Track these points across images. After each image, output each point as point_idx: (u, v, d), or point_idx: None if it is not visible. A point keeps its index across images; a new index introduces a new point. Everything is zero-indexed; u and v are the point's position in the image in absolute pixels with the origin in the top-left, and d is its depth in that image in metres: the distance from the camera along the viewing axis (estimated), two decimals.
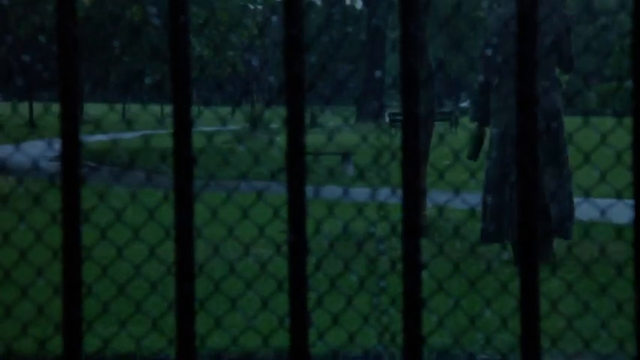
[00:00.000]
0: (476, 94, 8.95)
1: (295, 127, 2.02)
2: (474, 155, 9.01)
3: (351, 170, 21.41)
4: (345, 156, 21.42)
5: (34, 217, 11.89)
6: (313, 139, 38.90)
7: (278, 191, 16.82)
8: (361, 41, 62.82)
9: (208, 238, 10.13)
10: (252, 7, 32.26)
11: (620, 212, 13.03)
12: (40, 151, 30.83)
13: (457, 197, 14.33)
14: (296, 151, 2.01)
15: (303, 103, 1.99)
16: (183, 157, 2.03)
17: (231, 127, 56.33)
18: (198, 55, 30.26)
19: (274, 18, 30.52)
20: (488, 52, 8.75)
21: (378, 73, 51.55)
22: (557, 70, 8.92)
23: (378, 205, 12.16)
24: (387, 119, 49.00)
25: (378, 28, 59.24)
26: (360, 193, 16.61)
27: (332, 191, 17.03)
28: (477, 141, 8.95)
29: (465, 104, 66.16)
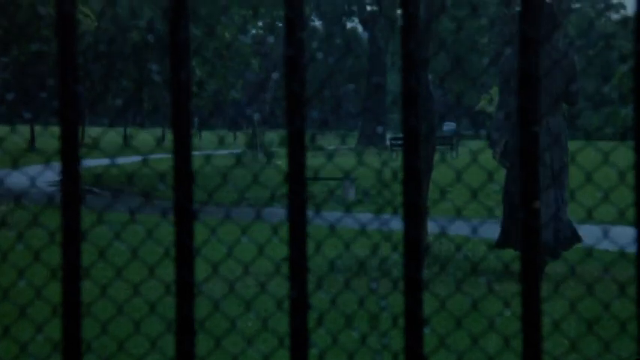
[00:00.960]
0: (493, 128, 9.83)
1: (296, 150, 2.01)
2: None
3: (352, 194, 21.40)
4: (346, 181, 21.41)
5: (32, 238, 11.87)
6: (314, 161, 38.91)
7: (273, 216, 16.79)
8: (362, 64, 62.96)
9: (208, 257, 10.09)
10: (253, 31, 32.36)
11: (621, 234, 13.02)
12: (39, 175, 30.80)
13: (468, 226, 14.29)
14: (296, 176, 2.00)
15: (304, 125, 1.98)
16: (183, 178, 2.02)
17: (232, 150, 56.43)
18: (197, 80, 30.37)
19: (271, 39, 30.63)
20: (501, 81, 9.74)
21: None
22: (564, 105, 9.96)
23: (377, 240, 12.14)
24: (387, 142, 49.03)
25: (379, 52, 59.38)
26: (362, 218, 16.59)
27: (332, 216, 17.00)
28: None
29: (448, 127, 66.10)
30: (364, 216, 16.82)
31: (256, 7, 30.97)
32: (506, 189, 9.75)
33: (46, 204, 18.47)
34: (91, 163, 39.71)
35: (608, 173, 28.09)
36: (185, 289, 2.07)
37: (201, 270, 9.64)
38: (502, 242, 9.90)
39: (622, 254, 6.79)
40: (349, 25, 64.05)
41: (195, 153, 52.54)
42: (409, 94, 2.04)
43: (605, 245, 11.89)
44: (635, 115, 2.03)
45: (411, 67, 2.05)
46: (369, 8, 58.83)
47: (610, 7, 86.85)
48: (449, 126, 63.60)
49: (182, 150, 2.03)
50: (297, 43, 2.02)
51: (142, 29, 29.79)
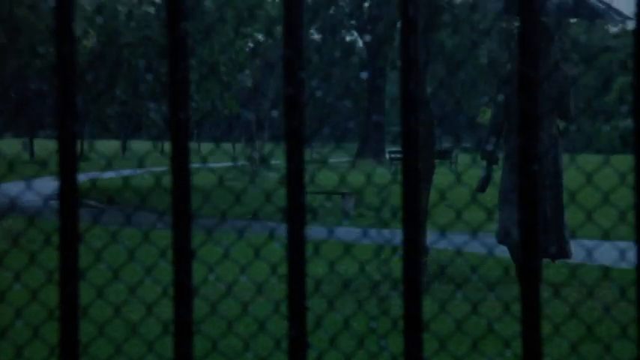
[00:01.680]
0: (487, 135, 10.34)
1: (295, 189, 2.01)
2: (482, 189, 10.27)
3: (351, 209, 21.38)
4: (346, 195, 21.40)
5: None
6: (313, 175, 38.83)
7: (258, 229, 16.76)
8: (362, 79, 63.05)
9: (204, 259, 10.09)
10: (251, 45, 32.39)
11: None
12: (44, 189, 30.82)
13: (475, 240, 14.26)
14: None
15: (303, 164, 1.97)
16: (181, 217, 2.02)
17: (230, 163, 56.37)
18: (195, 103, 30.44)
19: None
20: (500, 98, 10.25)
21: (376, 117, 51.62)
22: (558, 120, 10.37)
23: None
24: (387, 156, 49.07)
25: (379, 71, 59.46)
26: (363, 234, 16.57)
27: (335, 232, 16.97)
28: (485, 177, 10.27)
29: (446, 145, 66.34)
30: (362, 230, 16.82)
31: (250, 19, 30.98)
32: (501, 188, 10.22)
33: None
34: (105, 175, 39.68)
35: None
36: (183, 327, 2.06)
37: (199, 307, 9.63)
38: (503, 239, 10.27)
39: (605, 274, 6.77)
40: (348, 38, 64.18)
41: (195, 165, 52.48)
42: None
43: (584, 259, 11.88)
44: (634, 122, 2.02)
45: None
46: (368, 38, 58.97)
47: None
48: (448, 142, 63.82)
49: (181, 187, 2.03)
50: (297, 83, 2.02)
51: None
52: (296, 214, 1.97)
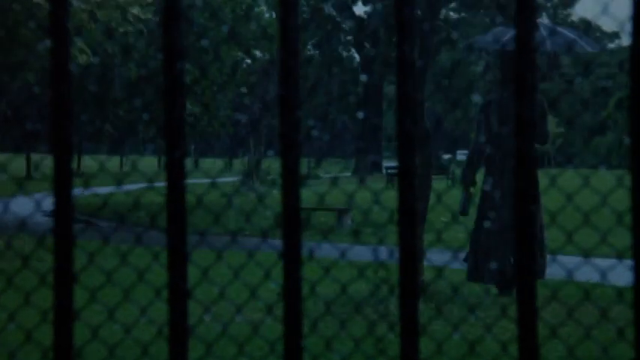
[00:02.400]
0: (466, 160, 10.90)
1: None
2: (464, 211, 10.86)
3: (348, 225, 21.36)
4: (342, 212, 21.39)
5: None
6: (309, 191, 38.86)
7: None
8: (358, 93, 63.17)
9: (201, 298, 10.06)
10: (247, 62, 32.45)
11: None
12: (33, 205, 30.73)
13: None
14: (291, 209, 1.99)
15: (299, 204, 1.97)
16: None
17: (228, 178, 56.33)
18: (189, 112, 30.43)
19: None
20: (482, 119, 10.75)
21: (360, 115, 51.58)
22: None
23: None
24: (384, 172, 49.06)
25: (376, 85, 59.55)
26: (360, 251, 16.51)
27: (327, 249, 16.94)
28: (464, 200, 10.85)
29: (447, 156, 66.59)
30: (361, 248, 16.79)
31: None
32: (477, 225, 10.72)
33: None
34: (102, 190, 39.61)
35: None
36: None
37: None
38: (473, 276, 10.81)
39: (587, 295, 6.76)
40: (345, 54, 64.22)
41: (193, 181, 52.38)
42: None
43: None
44: (631, 136, 2.02)
45: (406, 108, 2.04)
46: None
47: (604, 35, 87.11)
48: (446, 156, 63.89)
49: (177, 226, 2.02)
50: (292, 123, 2.01)
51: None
52: (293, 255, 1.96)
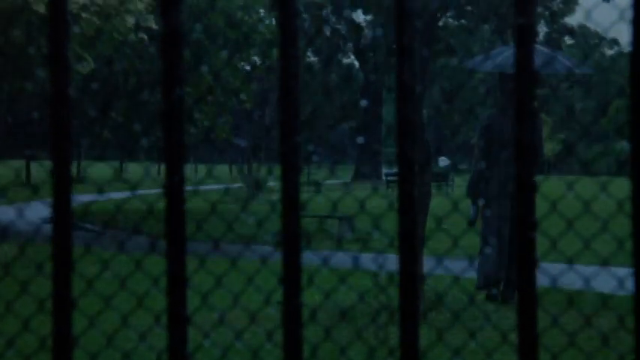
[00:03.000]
0: (470, 178, 11.26)
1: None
2: (472, 223, 11.33)
3: (349, 234, 21.35)
4: (343, 219, 21.37)
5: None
6: (308, 198, 38.86)
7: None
8: (358, 100, 63.21)
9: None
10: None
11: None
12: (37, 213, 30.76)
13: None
14: (291, 215, 1.98)
15: (298, 229, 1.96)
16: (176, 283, 2.00)
17: (230, 185, 56.32)
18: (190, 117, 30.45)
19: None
20: (482, 144, 10.99)
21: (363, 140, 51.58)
22: None
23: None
24: (384, 179, 49.05)
25: (376, 92, 59.57)
26: (364, 259, 16.50)
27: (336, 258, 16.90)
28: (474, 213, 11.34)
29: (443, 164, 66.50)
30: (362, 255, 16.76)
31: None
32: (483, 235, 11.19)
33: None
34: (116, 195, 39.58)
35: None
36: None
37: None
38: (482, 284, 11.22)
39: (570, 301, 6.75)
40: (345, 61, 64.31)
41: (190, 188, 52.46)
42: (404, 122, 2.02)
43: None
44: (632, 144, 2.01)
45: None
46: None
47: (604, 41, 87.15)
48: (444, 162, 63.78)
49: (177, 256, 2.01)
50: (291, 146, 2.01)
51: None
52: (293, 283, 1.95)
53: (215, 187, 55.15)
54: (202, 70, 28.86)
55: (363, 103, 52.83)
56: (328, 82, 57.67)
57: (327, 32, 56.09)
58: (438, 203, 15.95)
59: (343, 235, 21.17)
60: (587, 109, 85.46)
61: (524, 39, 2.01)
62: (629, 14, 2.00)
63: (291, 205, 2.00)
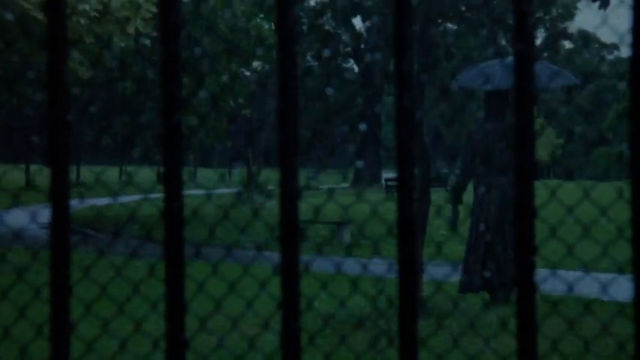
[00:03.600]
0: (452, 185, 12.24)
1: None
2: (453, 227, 11.79)
3: (347, 238, 21.34)
4: (341, 224, 21.36)
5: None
6: (308, 203, 38.86)
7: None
8: (358, 103, 63.16)
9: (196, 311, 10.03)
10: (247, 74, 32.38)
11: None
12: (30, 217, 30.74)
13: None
14: (290, 222, 1.98)
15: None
16: (175, 308, 2.00)
17: (226, 189, 56.25)
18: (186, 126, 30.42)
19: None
20: (466, 156, 11.65)
21: (363, 126, 51.47)
22: None
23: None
24: (383, 183, 49.03)
25: (375, 95, 59.52)
26: (356, 265, 16.48)
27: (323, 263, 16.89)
28: (453, 216, 11.85)
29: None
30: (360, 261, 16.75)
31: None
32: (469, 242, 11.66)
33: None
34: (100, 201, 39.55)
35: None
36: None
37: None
38: (463, 288, 11.62)
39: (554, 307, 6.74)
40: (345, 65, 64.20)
41: (192, 192, 52.43)
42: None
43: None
44: (632, 146, 2.01)
45: (405, 119, 2.04)
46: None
47: (604, 47, 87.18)
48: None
49: (175, 279, 2.01)
50: (291, 171, 2.01)
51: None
52: (292, 309, 1.95)
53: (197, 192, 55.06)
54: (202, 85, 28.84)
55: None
56: (328, 106, 57.74)
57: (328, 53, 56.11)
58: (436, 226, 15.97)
59: (341, 241, 21.16)
60: (583, 111, 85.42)
61: (524, 64, 2.01)
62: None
63: (291, 231, 2.00)
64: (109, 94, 29.78)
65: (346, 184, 65.63)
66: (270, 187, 39.51)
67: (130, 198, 45.71)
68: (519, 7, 2.04)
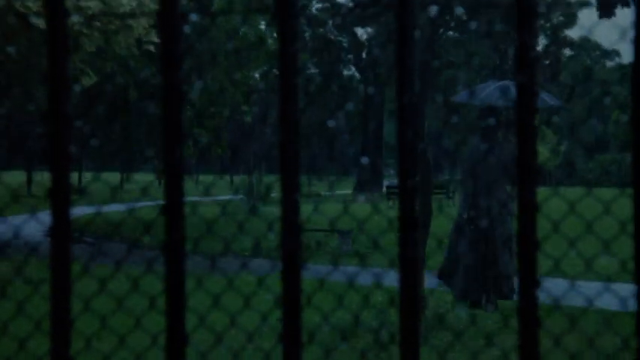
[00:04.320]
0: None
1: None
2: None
3: (349, 247, 21.32)
4: (343, 233, 21.34)
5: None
6: (308, 209, 38.81)
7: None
8: (359, 111, 63.20)
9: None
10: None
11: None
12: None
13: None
14: (290, 228, 1.98)
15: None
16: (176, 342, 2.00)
17: (225, 196, 56.26)
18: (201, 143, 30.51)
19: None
20: (464, 172, 12.01)
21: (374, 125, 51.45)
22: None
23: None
24: (384, 190, 48.97)
25: (375, 103, 59.54)
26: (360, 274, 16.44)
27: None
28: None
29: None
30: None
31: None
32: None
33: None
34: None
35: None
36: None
37: None
38: (442, 276, 12.05)
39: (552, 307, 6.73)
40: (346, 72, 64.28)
41: (193, 199, 52.41)
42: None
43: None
44: (633, 149, 2.01)
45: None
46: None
47: (606, 54, 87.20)
48: (365, 160, 62.99)
49: (176, 315, 2.01)
50: (293, 203, 2.00)
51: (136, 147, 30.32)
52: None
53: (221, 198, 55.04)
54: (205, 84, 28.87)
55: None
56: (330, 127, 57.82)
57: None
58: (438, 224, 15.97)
59: (343, 249, 21.14)
60: (582, 119, 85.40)
61: (526, 97, 2.01)
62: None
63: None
64: (114, 104, 29.82)
65: (348, 191, 65.54)
66: (273, 194, 39.47)
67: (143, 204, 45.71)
68: (522, 39, 2.03)
